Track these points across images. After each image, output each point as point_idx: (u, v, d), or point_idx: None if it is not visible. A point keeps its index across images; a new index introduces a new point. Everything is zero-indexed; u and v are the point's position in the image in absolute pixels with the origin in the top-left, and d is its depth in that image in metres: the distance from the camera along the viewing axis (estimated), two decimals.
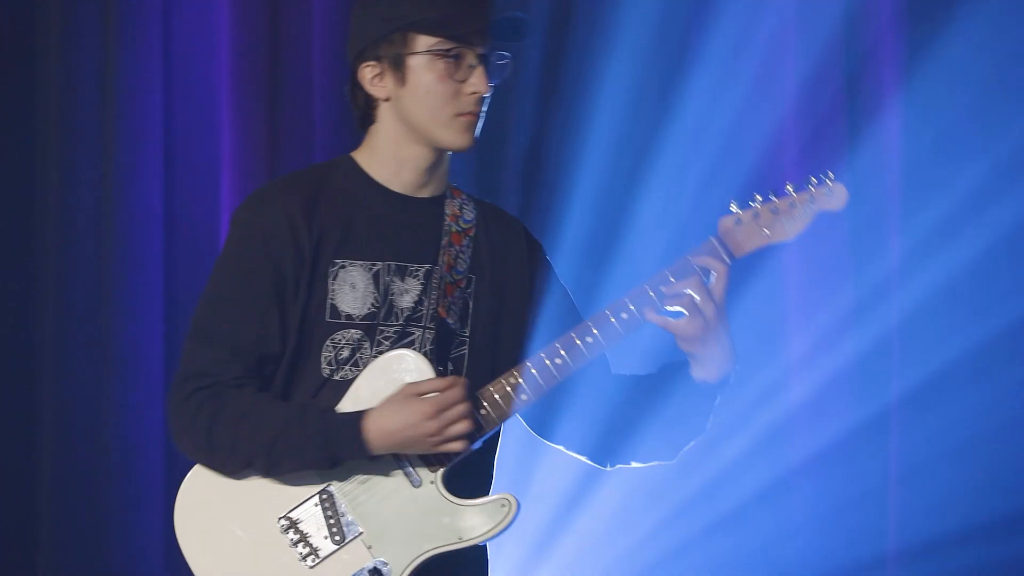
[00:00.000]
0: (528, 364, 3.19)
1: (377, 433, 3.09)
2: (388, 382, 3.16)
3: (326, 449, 3.11)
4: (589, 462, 3.37)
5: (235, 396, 3.16)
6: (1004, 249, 4.86)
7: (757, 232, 3.13)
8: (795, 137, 5.00)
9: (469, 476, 3.23)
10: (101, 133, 5.06)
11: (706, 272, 3.14)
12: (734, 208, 3.16)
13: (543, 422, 3.36)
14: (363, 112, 3.28)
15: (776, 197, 3.14)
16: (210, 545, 3.16)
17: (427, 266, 3.25)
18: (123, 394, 5.03)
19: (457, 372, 3.24)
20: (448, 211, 3.30)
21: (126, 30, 5.07)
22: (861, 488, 4.95)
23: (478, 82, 3.21)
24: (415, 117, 3.23)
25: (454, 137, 3.23)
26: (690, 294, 3.13)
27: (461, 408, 3.11)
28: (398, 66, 3.21)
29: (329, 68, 5.10)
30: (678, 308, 3.14)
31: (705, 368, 3.21)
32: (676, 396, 3.26)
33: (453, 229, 3.29)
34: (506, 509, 3.13)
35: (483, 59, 3.22)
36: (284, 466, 3.13)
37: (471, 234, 3.31)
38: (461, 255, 3.28)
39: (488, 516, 3.13)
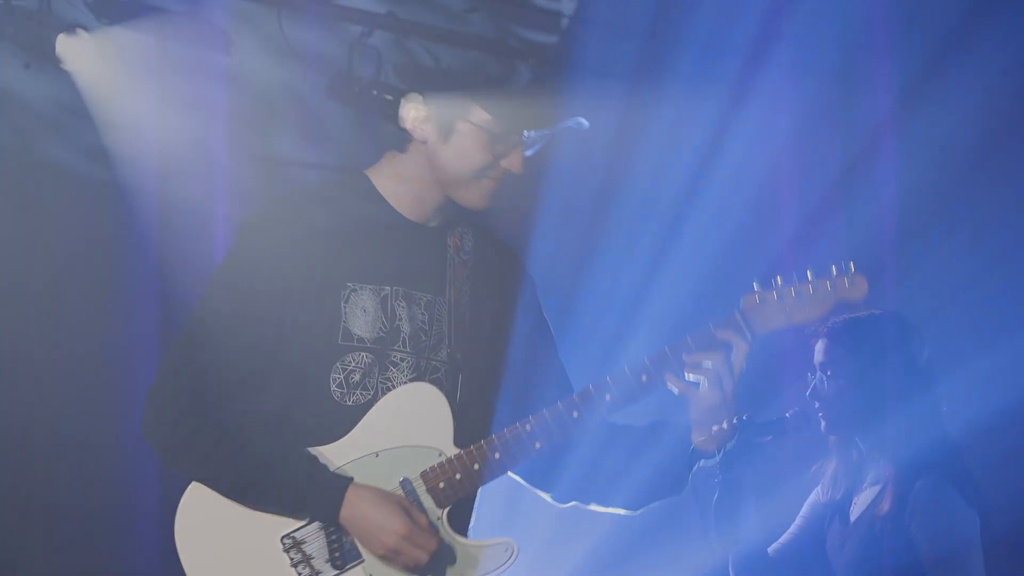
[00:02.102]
0: (545, 413, 3.18)
1: (351, 509, 3.10)
2: (404, 413, 3.17)
3: (303, 505, 3.14)
4: (545, 496, 3.38)
5: (220, 411, 3.16)
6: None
7: (779, 313, 3.12)
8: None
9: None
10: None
11: (728, 347, 3.13)
12: (756, 287, 3.15)
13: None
14: (392, 136, 3.26)
15: (798, 280, 3.12)
16: (212, 560, 3.16)
17: (429, 295, 3.24)
18: (119, 410, 5.06)
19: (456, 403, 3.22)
20: (450, 241, 3.29)
21: None
22: None
23: (515, 162, 3.20)
24: (446, 172, 3.21)
25: (475, 199, 3.23)
26: (713, 366, 3.11)
27: (420, 554, 3.10)
28: (446, 123, 3.18)
29: None
30: (698, 377, 3.12)
31: (707, 438, 3.19)
32: (661, 454, 3.25)
33: (457, 261, 3.28)
34: (508, 554, 3.16)
35: (524, 138, 3.20)
36: (256, 502, 3.15)
37: (470, 264, 3.30)
38: (464, 287, 3.27)
39: (489, 559, 3.15)
